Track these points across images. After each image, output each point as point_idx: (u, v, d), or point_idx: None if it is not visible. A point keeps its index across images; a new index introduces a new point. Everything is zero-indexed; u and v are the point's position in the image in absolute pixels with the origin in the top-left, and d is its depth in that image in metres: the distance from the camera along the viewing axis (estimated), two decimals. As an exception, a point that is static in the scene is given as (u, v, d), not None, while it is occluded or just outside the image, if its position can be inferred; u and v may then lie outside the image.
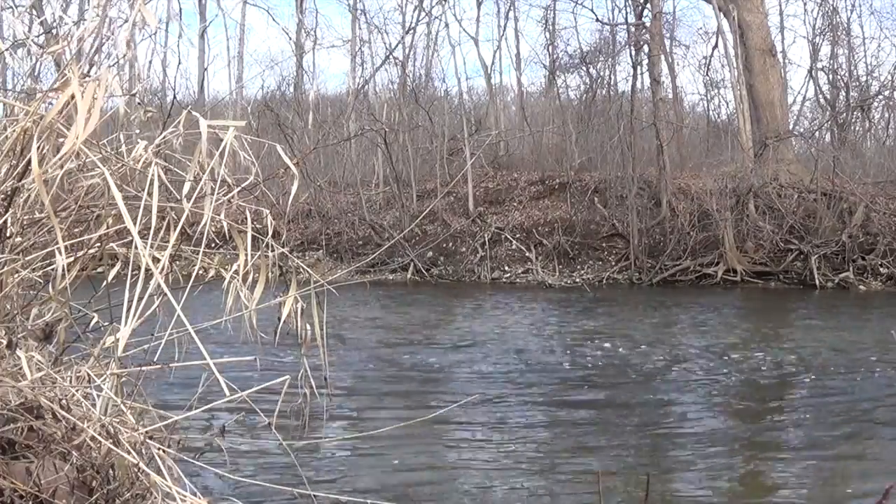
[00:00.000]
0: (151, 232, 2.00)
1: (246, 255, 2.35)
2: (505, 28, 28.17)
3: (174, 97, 21.08)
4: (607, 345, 10.77)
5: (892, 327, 9.63)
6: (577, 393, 8.06)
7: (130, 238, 2.03)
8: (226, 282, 2.46)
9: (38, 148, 2.09)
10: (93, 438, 2.04)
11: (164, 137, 2.39)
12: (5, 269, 2.24)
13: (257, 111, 24.32)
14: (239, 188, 2.39)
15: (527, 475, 5.44)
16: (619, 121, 21.30)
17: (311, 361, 2.66)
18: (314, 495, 2.42)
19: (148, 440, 2.14)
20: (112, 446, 2.02)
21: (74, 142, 1.79)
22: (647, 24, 21.03)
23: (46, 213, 2.23)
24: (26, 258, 2.33)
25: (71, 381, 2.22)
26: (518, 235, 20.44)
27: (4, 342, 2.23)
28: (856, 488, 5.13)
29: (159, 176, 2.05)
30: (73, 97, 1.95)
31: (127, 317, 1.93)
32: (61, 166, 2.12)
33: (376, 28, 27.75)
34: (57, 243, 2.04)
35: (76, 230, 2.45)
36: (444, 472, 5.58)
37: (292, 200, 2.42)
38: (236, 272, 2.41)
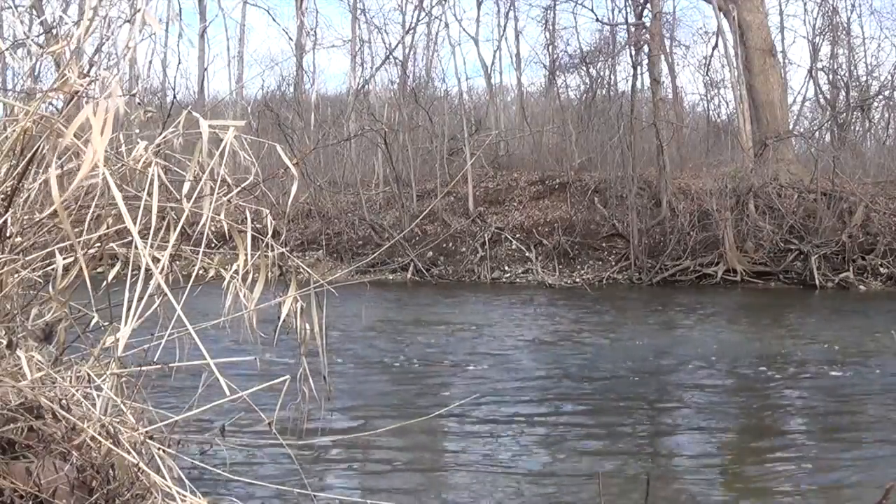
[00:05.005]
0: (151, 232, 2.00)
1: (246, 255, 2.35)
2: (505, 28, 28.24)
3: (174, 97, 21.12)
4: (607, 345, 10.77)
5: (893, 327, 9.63)
6: (577, 393, 8.06)
7: (130, 238, 2.03)
8: (226, 282, 2.46)
9: (39, 149, 2.09)
10: (93, 438, 2.04)
11: (164, 137, 2.39)
12: (5, 269, 2.24)
13: (257, 111, 24.33)
14: (239, 188, 2.39)
15: (527, 477, 5.43)
16: (619, 121, 21.31)
17: (311, 361, 2.67)
18: (314, 495, 2.42)
19: (148, 440, 2.14)
20: (112, 446, 2.02)
21: (92, 158, 1.79)
22: (647, 24, 21.04)
23: (53, 216, 2.23)
24: (26, 258, 2.33)
25: (71, 381, 2.23)
26: (518, 235, 20.44)
27: (4, 342, 2.23)
28: (856, 488, 5.13)
29: (159, 176, 2.05)
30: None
31: (127, 317, 1.93)
32: (62, 167, 2.12)
33: (376, 28, 27.84)
34: (58, 243, 2.04)
35: (76, 230, 2.45)
36: (444, 473, 5.58)
37: (292, 200, 2.42)
38: (236, 272, 2.41)
